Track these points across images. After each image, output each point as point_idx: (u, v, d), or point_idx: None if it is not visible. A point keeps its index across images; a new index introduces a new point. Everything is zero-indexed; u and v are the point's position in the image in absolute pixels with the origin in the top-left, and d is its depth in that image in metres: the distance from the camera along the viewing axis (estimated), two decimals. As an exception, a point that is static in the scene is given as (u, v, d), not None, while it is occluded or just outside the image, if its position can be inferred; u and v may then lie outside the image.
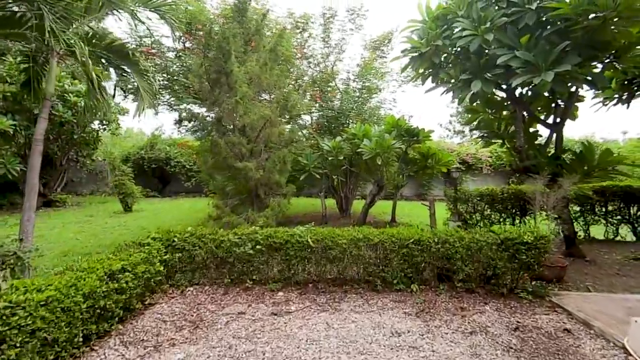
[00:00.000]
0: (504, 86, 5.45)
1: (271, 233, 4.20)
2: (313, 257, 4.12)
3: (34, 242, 4.11)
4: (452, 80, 5.64)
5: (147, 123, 34.34)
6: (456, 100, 5.85)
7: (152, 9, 4.86)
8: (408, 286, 4.01)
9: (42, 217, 9.08)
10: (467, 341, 2.98)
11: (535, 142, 6.23)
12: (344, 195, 9.23)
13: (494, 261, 3.88)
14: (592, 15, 3.95)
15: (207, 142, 7.39)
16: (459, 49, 5.17)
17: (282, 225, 5.93)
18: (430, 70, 5.89)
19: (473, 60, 5.10)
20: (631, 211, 6.58)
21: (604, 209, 6.75)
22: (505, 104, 6.18)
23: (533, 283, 4.07)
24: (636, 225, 6.60)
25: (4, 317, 2.23)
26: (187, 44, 9.30)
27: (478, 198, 6.95)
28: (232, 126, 6.94)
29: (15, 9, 3.84)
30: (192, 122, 8.96)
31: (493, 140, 6.89)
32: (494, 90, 5.35)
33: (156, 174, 15.50)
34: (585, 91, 5.41)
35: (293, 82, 10.34)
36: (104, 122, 11.72)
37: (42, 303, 2.43)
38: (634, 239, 6.62)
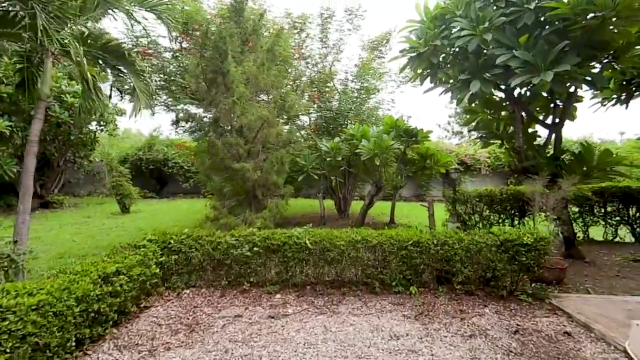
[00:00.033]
0: (502, 86, 5.42)
1: (269, 235, 4.15)
2: (311, 259, 4.07)
3: (30, 244, 4.07)
4: (451, 81, 5.62)
5: (145, 124, 34.32)
6: (455, 101, 5.83)
7: (148, 9, 4.83)
8: (407, 288, 3.97)
9: (39, 218, 9.02)
10: (466, 344, 2.94)
11: (534, 143, 6.20)
12: (343, 196, 9.18)
13: (494, 263, 3.85)
14: (590, 15, 3.94)
15: (204, 142, 7.34)
16: (457, 49, 5.15)
17: (280, 226, 5.90)
18: (428, 70, 5.87)
19: (471, 60, 5.08)
20: (630, 212, 6.56)
21: (602, 210, 6.72)
22: (504, 104, 6.15)
23: (533, 285, 4.03)
24: (635, 226, 6.56)
25: (-6, 322, 2.18)
26: (184, 44, 9.26)
27: (477, 199, 6.91)
28: (229, 127, 6.90)
29: (9, 8, 3.79)
30: (189, 123, 8.88)
31: (492, 141, 6.86)
32: (492, 90, 5.32)
33: (154, 175, 15.45)
34: (584, 91, 5.40)
35: (291, 83, 10.31)
36: (102, 123, 11.66)
37: (33, 307, 2.38)
38: (633, 240, 6.59)
